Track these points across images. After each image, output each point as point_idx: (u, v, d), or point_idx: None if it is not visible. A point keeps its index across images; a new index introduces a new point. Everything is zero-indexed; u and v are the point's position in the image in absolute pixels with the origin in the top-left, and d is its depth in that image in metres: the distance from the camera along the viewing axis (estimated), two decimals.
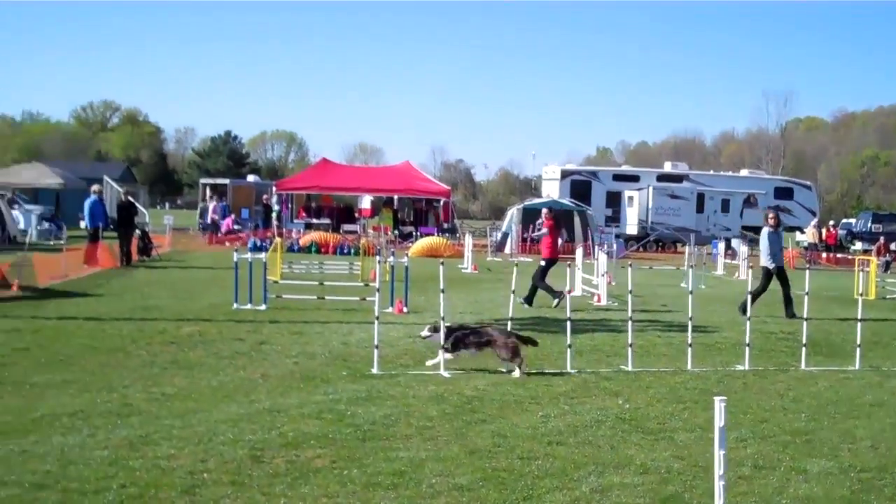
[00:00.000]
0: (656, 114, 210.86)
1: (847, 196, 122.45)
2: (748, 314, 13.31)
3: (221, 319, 15.48)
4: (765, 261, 19.26)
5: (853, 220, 69.74)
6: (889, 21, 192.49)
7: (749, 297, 13.72)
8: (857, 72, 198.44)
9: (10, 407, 8.94)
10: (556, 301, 18.99)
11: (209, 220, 42.33)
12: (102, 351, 12.23)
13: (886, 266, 37.20)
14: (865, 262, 26.59)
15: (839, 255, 44.15)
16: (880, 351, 14.56)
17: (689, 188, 50.10)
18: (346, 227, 44.63)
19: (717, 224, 49.44)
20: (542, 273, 19.74)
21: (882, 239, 44.84)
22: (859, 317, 13.24)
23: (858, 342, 13.25)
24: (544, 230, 20.45)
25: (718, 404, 5.10)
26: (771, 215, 20.14)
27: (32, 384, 10.03)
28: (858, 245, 53.96)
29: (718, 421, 5.09)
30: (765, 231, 19.58)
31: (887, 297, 24.67)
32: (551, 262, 19.96)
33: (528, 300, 19.48)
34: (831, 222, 54.79)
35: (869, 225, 60.21)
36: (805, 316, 13.25)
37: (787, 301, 18.92)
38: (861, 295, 14.29)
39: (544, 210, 21.49)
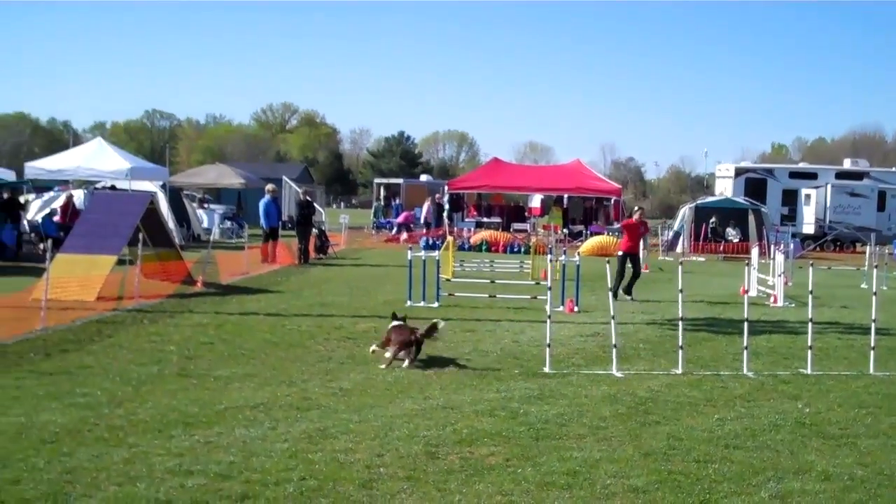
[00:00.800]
0: (834, 109, 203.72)
1: None
2: None
3: None
4: None
5: None
6: None
7: None
8: None
9: (196, 399, 9.34)
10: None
11: (422, 221, 42.52)
12: (282, 346, 12.65)
13: None
14: None
15: None
16: None
17: (869, 186, 48.24)
18: (517, 225, 44.75)
19: None
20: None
21: None
22: None
23: None
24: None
25: None
26: None
27: (217, 377, 10.46)
28: None
29: None
30: None
31: None
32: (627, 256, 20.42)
33: (628, 291, 20.19)
34: None
35: None
36: None
37: None
38: None
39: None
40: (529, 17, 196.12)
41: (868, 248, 30.19)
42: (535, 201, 48.34)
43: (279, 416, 8.68)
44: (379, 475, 6.99)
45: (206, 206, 42.26)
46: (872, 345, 12.21)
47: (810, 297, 12.67)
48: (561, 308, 17.13)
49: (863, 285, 24.58)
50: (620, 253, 20.58)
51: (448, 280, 18.93)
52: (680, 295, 11.89)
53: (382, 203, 52.77)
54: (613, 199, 45.55)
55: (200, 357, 11.67)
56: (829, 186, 47.39)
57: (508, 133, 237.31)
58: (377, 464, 7.27)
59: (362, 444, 7.79)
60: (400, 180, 57.21)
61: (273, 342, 12.90)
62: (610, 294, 13.06)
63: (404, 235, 40.42)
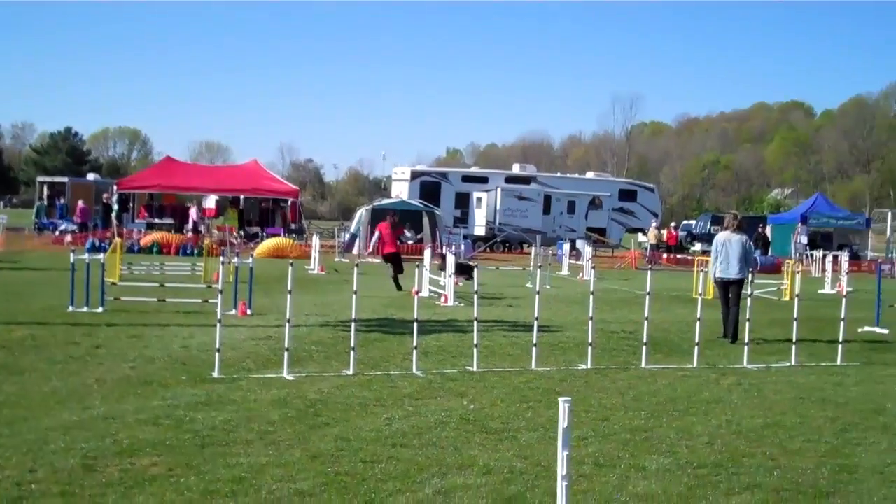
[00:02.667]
0: (506, 116, 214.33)
1: (688, 198, 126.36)
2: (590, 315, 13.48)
3: (56, 323, 14.90)
4: None
5: (693, 222, 72.07)
6: (731, 30, 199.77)
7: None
8: (700, 78, 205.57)
9: None
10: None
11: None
12: None
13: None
14: (704, 262, 27.36)
15: (679, 256, 45.47)
16: (717, 349, 14.96)
17: (536, 190, 50.78)
18: (190, 226, 43.68)
19: (563, 225, 50.29)
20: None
21: None
22: (698, 315, 13.56)
23: (697, 340, 13.58)
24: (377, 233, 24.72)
25: (563, 405, 5.07)
26: None
27: None
28: (698, 246, 55.66)
29: (562, 422, 5.07)
30: None
31: None
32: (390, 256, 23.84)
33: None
34: (672, 224, 56.42)
35: (708, 226, 62.24)
36: (646, 315, 13.48)
37: None
38: (700, 294, 14.67)
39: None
40: (205, 13, 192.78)
41: (534, 249, 31.72)
42: (210, 202, 47.38)
43: None
44: (30, 492, 6.50)
45: None
46: (535, 342, 12.73)
47: (475, 296, 13.06)
48: (233, 311, 16.81)
49: (528, 284, 25.76)
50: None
51: (114, 284, 18.12)
52: (354, 296, 11.91)
53: (46, 202, 50.07)
54: (291, 200, 45.45)
55: None
56: (499, 190, 49.47)
57: (184, 131, 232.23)
58: (28, 480, 6.75)
59: (13, 460, 7.22)
60: (65, 179, 54.53)
61: None
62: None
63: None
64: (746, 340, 13.69)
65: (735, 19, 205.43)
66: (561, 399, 5.14)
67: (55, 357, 11.85)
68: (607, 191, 53.34)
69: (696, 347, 13.57)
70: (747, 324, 13.69)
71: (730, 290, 16.14)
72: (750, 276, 15.96)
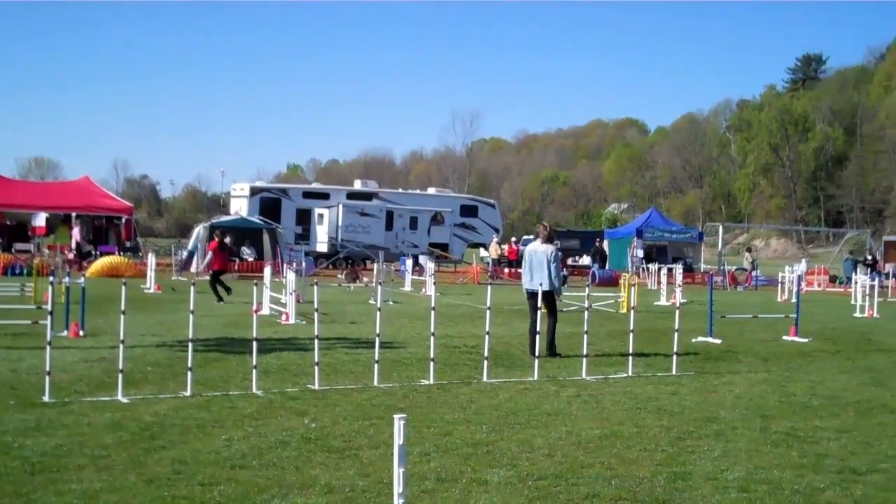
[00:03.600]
0: (347, 132, 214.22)
1: (528, 213, 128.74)
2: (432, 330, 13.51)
3: None
4: None
5: (532, 237, 73.33)
6: (567, 48, 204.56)
7: None
8: (538, 95, 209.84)
9: None
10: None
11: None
12: None
13: (564, 280, 39.17)
14: None
15: (520, 271, 46.07)
16: (557, 361, 15.18)
17: (378, 206, 50.84)
18: (19, 245, 42.05)
19: (406, 241, 50.48)
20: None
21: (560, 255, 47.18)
22: (538, 329, 13.75)
23: (536, 353, 13.77)
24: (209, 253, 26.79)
25: (398, 422, 5.04)
26: None
27: None
28: None
29: (398, 439, 5.04)
30: None
31: (564, 310, 25.88)
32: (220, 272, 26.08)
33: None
34: (513, 239, 57.25)
35: None
36: (487, 329, 13.58)
37: None
38: (540, 308, 14.88)
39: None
40: (31, 23, 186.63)
41: (376, 265, 31.67)
42: (40, 220, 45.66)
43: None
44: None
45: None
46: (377, 358, 12.67)
47: (316, 314, 12.93)
48: (65, 333, 16.23)
49: (371, 301, 25.72)
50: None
51: None
52: (191, 315, 11.64)
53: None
54: (125, 217, 44.32)
55: None
56: (340, 206, 49.30)
57: (11, 147, 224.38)
58: None
59: None
60: None
61: None
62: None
63: None
64: (584, 353, 13.94)
65: (571, 38, 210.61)
66: (396, 416, 5.11)
67: None
68: (449, 206, 53.79)
69: (536, 360, 13.75)
70: (584, 336, 13.95)
71: (537, 302, 15.84)
72: (553, 286, 15.73)
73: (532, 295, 16.01)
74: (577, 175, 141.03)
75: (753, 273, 46.50)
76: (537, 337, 14.83)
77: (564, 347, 16.40)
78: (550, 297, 15.79)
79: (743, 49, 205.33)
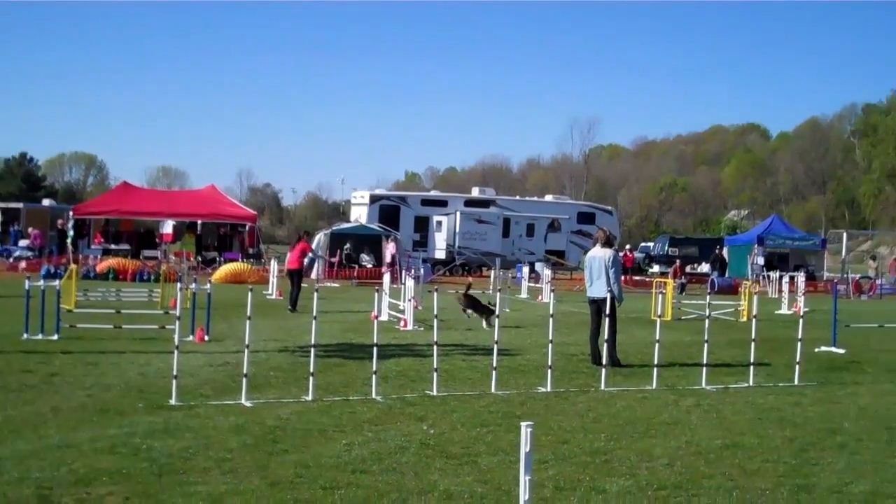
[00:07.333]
0: (465, 140, 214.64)
1: (646, 220, 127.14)
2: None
3: (9, 351, 14.68)
4: None
5: (651, 244, 72.54)
6: (686, 53, 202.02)
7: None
8: (656, 102, 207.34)
9: None
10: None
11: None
12: None
13: (682, 288, 38.74)
14: (662, 284, 27.58)
15: (637, 278, 45.74)
16: (676, 370, 15.02)
17: (495, 213, 50.86)
18: (147, 252, 43.32)
19: (522, 248, 50.37)
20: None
21: (678, 262, 46.62)
22: (657, 337, 13.61)
23: (656, 362, 13.64)
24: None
25: (525, 430, 5.07)
26: None
27: None
28: (656, 268, 55.96)
29: (524, 447, 5.06)
30: None
31: (683, 318, 25.60)
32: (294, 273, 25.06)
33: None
34: (627, 246, 56.75)
35: (666, 248, 62.70)
36: (605, 338, 13.50)
37: None
38: (658, 316, 14.71)
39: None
40: (159, 38, 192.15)
41: (493, 272, 31.76)
42: (167, 227, 46.98)
43: None
44: None
45: None
46: (494, 365, 12.72)
47: (435, 321, 13.02)
48: (191, 338, 16.67)
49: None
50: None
51: (70, 311, 17.91)
52: (314, 321, 11.84)
53: (0, 229, 49.59)
54: (248, 225, 45.25)
55: None
56: (458, 213, 49.47)
57: (141, 157, 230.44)
58: None
59: None
60: (20, 204, 53.98)
61: None
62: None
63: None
64: (705, 362, 13.76)
65: (690, 42, 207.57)
66: (523, 424, 5.13)
67: (9, 385, 11.69)
68: (566, 213, 53.52)
69: (656, 369, 13.62)
70: (705, 345, 13.77)
71: (600, 309, 15.30)
72: (613, 292, 15.18)
73: (593, 301, 15.75)
74: (696, 181, 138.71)
75: (878, 281, 45.16)
76: (603, 346, 14.67)
77: (684, 356, 16.20)
78: (611, 303, 15.14)
79: (868, 52, 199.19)
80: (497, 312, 13.46)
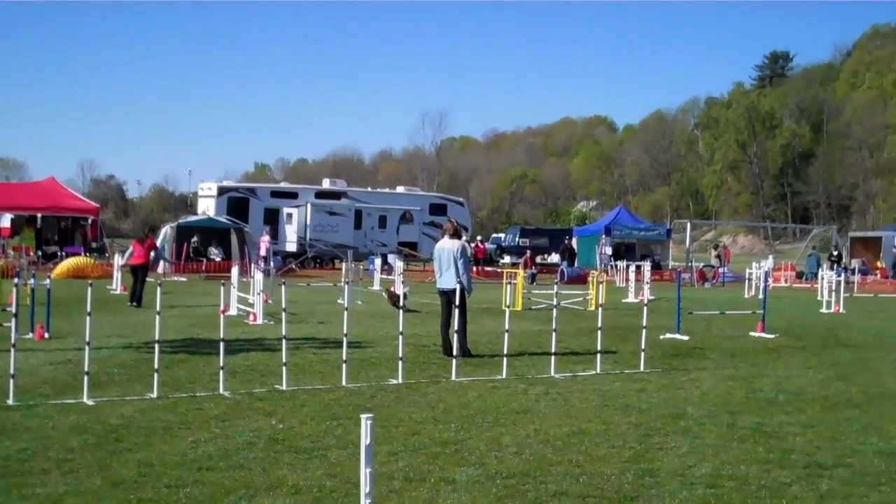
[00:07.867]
0: (315, 131, 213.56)
1: (497, 212, 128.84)
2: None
3: None
4: None
5: (502, 235, 73.48)
6: (536, 46, 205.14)
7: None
8: (507, 94, 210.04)
9: None
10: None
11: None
12: None
13: (532, 278, 39.30)
14: (513, 274, 27.93)
15: (488, 269, 46.21)
16: (525, 360, 15.20)
17: (347, 205, 50.66)
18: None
19: (375, 240, 50.33)
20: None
21: (528, 252, 47.36)
22: (507, 327, 13.75)
23: (506, 352, 13.77)
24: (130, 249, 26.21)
25: (365, 422, 5.02)
26: None
27: None
28: (507, 258, 56.67)
29: (365, 439, 5.02)
30: None
31: (533, 308, 25.97)
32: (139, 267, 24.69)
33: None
34: (479, 237, 57.30)
35: (517, 239, 63.69)
36: (456, 328, 13.57)
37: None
38: (508, 306, 14.86)
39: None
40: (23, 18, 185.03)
41: (345, 264, 31.61)
42: (5, 221, 45.26)
43: None
44: None
45: None
46: (345, 358, 12.64)
47: (284, 314, 12.87)
48: (30, 335, 16.08)
49: (339, 300, 25.62)
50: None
51: None
52: (157, 316, 11.55)
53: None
54: (91, 218, 43.99)
55: None
56: (309, 205, 49.08)
57: None
58: None
59: None
60: None
61: None
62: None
63: None
64: (553, 351, 13.97)
65: (539, 36, 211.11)
66: (363, 416, 5.09)
67: None
68: (418, 205, 53.69)
69: (505, 359, 13.76)
70: (553, 334, 13.97)
71: (450, 300, 15.28)
72: (462, 283, 15.07)
73: (443, 293, 15.76)
74: (545, 173, 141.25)
75: (721, 269, 46.73)
76: (454, 337, 14.73)
77: (533, 346, 16.42)
78: (461, 294, 15.01)
79: (711, 47, 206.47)
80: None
